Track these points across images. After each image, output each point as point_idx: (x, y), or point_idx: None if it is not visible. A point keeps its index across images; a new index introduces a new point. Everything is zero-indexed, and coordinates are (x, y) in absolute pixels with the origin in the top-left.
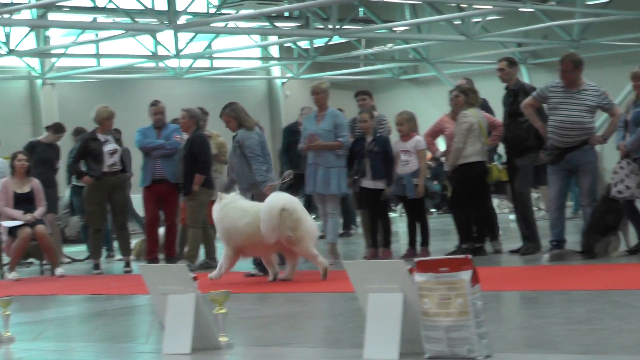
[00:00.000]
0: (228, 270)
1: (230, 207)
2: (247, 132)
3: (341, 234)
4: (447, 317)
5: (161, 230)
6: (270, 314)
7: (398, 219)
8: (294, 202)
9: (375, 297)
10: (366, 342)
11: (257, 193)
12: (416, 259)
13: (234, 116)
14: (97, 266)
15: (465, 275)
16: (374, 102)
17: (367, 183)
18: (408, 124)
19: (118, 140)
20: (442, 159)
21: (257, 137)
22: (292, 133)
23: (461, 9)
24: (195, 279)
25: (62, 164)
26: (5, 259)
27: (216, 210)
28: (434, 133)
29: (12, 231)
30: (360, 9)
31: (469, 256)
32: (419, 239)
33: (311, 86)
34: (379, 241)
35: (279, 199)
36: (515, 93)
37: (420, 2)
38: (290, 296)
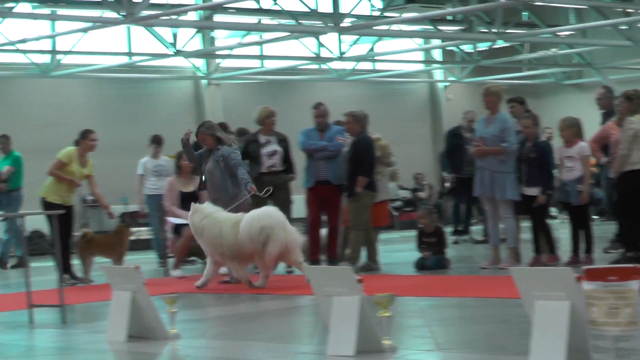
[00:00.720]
0: (212, 278)
1: (213, 219)
2: (229, 147)
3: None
4: (615, 326)
5: (323, 232)
6: (435, 318)
7: (559, 225)
8: (272, 219)
9: (541, 304)
10: (532, 350)
11: (239, 206)
12: (584, 267)
13: (210, 134)
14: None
15: (635, 284)
16: (530, 109)
17: (525, 189)
18: (569, 130)
19: (283, 141)
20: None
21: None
22: (454, 137)
23: (628, 14)
24: (360, 281)
25: None
26: (170, 256)
27: (196, 222)
28: (600, 140)
29: (177, 229)
30: (525, 13)
31: (638, 265)
32: (582, 246)
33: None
34: (541, 247)
35: (266, 215)
36: None
37: (585, 7)
38: (456, 301)
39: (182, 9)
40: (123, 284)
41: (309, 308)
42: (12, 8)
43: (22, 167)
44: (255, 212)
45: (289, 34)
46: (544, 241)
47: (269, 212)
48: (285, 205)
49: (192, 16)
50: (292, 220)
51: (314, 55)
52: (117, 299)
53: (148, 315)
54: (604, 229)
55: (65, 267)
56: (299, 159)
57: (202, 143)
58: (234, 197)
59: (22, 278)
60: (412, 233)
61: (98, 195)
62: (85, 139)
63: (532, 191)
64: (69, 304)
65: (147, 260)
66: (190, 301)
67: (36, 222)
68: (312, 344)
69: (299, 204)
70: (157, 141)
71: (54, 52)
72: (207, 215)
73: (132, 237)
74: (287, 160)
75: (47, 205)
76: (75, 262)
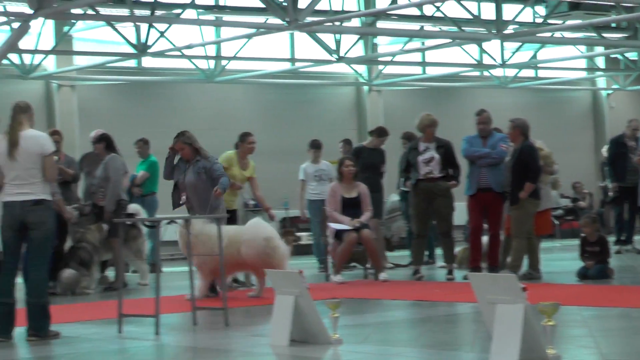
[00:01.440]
0: (205, 293)
1: (204, 236)
2: (210, 160)
3: None
4: None
5: (484, 239)
6: (598, 328)
7: None
8: (269, 230)
9: None
10: None
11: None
12: None
13: (189, 143)
14: (417, 272)
15: None
16: None
17: None
18: None
19: (442, 147)
20: None
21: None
22: (617, 145)
23: None
24: (524, 289)
25: (387, 168)
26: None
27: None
28: None
29: (338, 235)
30: None
31: None
32: None
33: None
34: None
35: (263, 227)
36: None
37: None
38: (620, 311)
39: (345, 15)
40: (286, 288)
41: (470, 315)
42: (178, 14)
43: (157, 172)
44: (254, 225)
45: (451, 40)
46: None
47: (264, 224)
48: (446, 213)
49: (355, 22)
50: (454, 228)
51: (476, 62)
52: (280, 303)
53: (310, 320)
54: None
55: None
56: (462, 166)
57: (180, 152)
58: (216, 208)
59: (186, 280)
60: (574, 242)
61: (259, 197)
62: (244, 142)
63: None
64: (232, 307)
65: (307, 265)
66: (351, 306)
67: None
68: (473, 352)
69: (461, 211)
70: (316, 146)
71: (218, 57)
72: (198, 233)
73: (295, 243)
74: (450, 166)
75: None
76: None
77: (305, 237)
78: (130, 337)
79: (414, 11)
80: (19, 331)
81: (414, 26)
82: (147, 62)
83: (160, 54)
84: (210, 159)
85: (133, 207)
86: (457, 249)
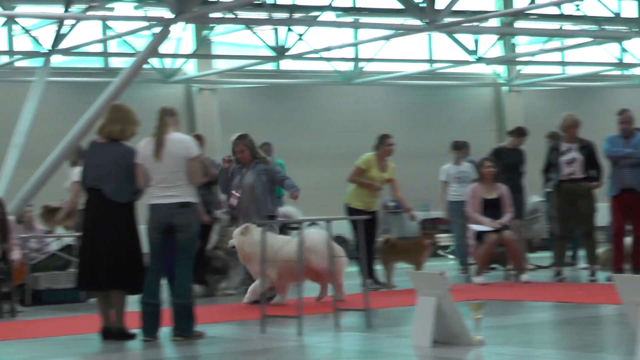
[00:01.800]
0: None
1: (269, 242)
2: (269, 162)
3: None
4: None
5: (627, 240)
6: None
7: None
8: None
9: None
10: None
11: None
12: None
13: (250, 147)
14: (559, 273)
15: None
16: None
17: None
18: None
19: (585, 148)
20: None
21: None
22: None
23: None
24: None
25: (528, 169)
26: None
27: (250, 245)
28: None
29: (479, 236)
30: None
31: None
32: None
33: None
34: None
35: (322, 233)
36: None
37: None
38: None
39: (483, 15)
40: (428, 289)
41: (614, 317)
42: (316, 17)
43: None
44: (317, 231)
45: (591, 39)
46: None
47: (323, 231)
48: (588, 214)
49: (494, 22)
50: (596, 229)
51: (617, 61)
52: (422, 304)
53: (453, 321)
54: None
55: (368, 272)
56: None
57: (239, 155)
58: (272, 213)
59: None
60: None
61: (400, 198)
62: (382, 144)
63: None
64: (373, 308)
65: (447, 267)
66: (493, 308)
67: (339, 227)
68: (618, 354)
69: (603, 213)
70: (458, 147)
71: (356, 59)
72: (258, 240)
73: (437, 244)
74: (592, 167)
75: (351, 211)
76: (377, 267)
77: (445, 239)
78: (273, 338)
79: (553, 10)
80: (164, 331)
81: (554, 25)
82: (286, 64)
83: (299, 57)
84: (269, 161)
85: (286, 210)
86: (600, 250)
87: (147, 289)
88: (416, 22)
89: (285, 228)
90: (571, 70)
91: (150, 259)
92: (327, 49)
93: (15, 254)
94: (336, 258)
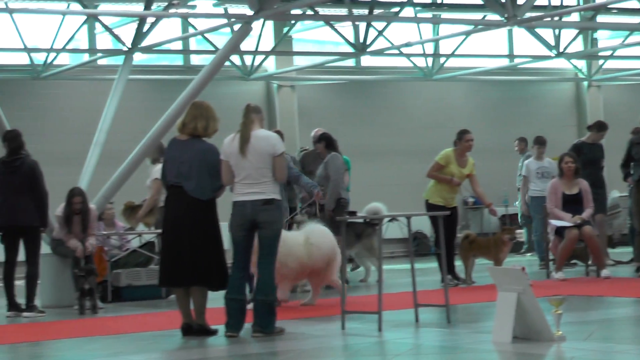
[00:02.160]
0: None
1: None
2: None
3: None
4: None
5: None
6: None
7: None
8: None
9: None
10: None
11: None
12: None
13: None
14: (639, 269)
15: None
16: None
17: None
18: None
19: None
20: None
21: None
22: None
23: None
24: None
25: (606, 163)
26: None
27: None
28: None
29: (559, 231)
30: None
31: None
32: None
33: None
34: None
35: (327, 230)
36: None
37: None
38: None
39: (564, 10)
40: (509, 285)
41: None
42: (396, 13)
43: (349, 171)
44: (323, 230)
45: None
46: None
47: (326, 229)
48: None
49: (575, 17)
50: None
51: None
52: (502, 300)
53: (533, 317)
54: None
55: (448, 268)
56: None
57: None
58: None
59: (408, 278)
60: None
61: (480, 193)
62: (461, 140)
63: None
64: (453, 304)
65: (526, 262)
66: (573, 303)
67: (419, 223)
68: None
69: None
70: (540, 142)
71: (436, 55)
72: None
73: (515, 239)
74: None
75: (430, 207)
76: (457, 263)
77: (524, 234)
78: (353, 334)
79: (635, 4)
80: (245, 327)
81: (635, 19)
82: (366, 61)
83: (379, 53)
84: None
85: (373, 206)
86: None
87: (231, 285)
88: (496, 17)
89: (368, 224)
90: None
91: (234, 256)
92: (407, 45)
93: (91, 241)
94: (335, 256)
